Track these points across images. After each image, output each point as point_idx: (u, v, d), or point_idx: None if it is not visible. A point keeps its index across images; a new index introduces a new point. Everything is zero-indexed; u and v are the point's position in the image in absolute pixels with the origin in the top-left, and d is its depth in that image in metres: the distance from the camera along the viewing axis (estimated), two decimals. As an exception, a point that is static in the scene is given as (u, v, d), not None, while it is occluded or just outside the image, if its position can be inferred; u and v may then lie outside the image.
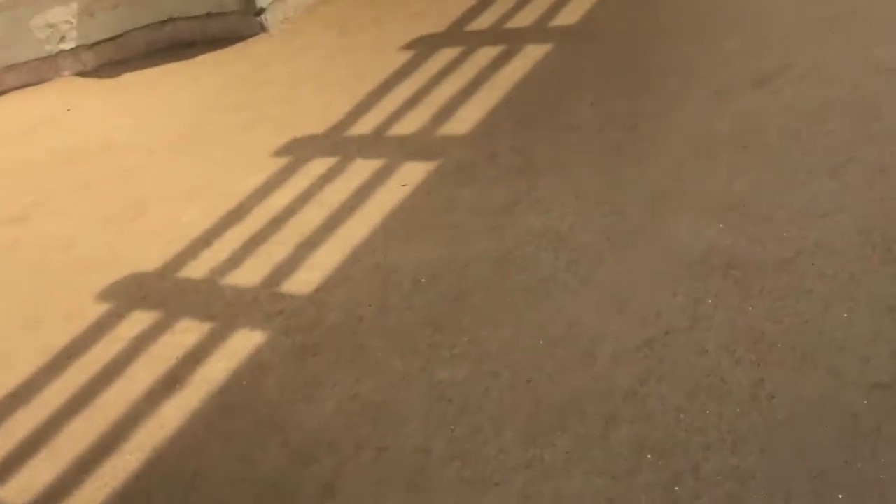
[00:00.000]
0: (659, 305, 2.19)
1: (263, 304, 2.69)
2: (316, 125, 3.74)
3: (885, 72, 2.83)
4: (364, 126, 3.62)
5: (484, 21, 4.24)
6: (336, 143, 3.55)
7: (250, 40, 4.87)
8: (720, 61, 3.21)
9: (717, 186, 2.55)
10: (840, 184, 2.40)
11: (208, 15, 4.97)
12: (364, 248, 2.82)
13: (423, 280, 2.58)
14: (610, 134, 3.00)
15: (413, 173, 3.17)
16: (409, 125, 3.51)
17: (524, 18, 4.11)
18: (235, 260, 2.98)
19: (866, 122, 2.62)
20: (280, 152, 3.61)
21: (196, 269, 2.99)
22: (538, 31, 3.94)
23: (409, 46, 4.22)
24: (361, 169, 3.30)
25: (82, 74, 5.16)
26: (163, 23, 5.11)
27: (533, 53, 3.77)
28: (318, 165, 3.42)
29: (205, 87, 4.50)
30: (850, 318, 1.98)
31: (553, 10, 4.08)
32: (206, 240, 3.15)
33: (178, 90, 4.56)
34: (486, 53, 3.89)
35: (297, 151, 3.57)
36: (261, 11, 4.82)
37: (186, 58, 4.94)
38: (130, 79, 4.92)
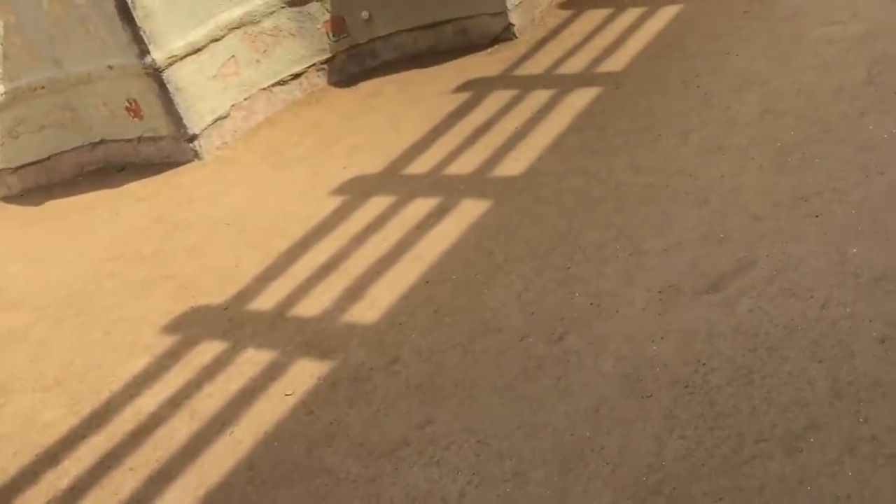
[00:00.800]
0: None
1: (84, 573, 2.18)
2: (218, 291, 3.27)
3: (864, 283, 2.30)
4: (268, 299, 3.14)
5: (425, 161, 3.77)
6: (232, 321, 3.06)
7: (182, 168, 4.45)
8: (670, 247, 2.70)
9: (645, 449, 2.02)
10: (796, 468, 1.85)
11: (140, 139, 4.57)
12: (218, 495, 2.31)
13: (272, 559, 2.06)
14: (533, 345, 2.48)
15: (302, 377, 2.66)
16: (314, 303, 3.02)
17: (466, 163, 3.63)
18: (76, 492, 2.48)
19: (836, 363, 2.08)
20: (170, 328, 3.13)
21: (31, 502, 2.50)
22: (478, 182, 3.46)
23: (340, 190, 3.76)
24: (248, 364, 2.80)
25: (6, 199, 4.78)
26: (94, 145, 4.73)
27: (468, 211, 3.28)
28: (205, 352, 2.93)
29: (119, 226, 4.06)
30: None
31: (498, 155, 3.61)
32: (55, 454, 2.66)
33: (92, 228, 4.14)
34: (418, 207, 3.41)
35: (189, 328, 3.10)
36: (193, 138, 4.41)
37: (114, 185, 4.54)
38: (51, 209, 4.52)
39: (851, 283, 2.31)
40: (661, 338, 2.34)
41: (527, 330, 2.55)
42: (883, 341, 2.10)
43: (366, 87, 4.77)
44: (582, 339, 2.44)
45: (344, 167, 3.96)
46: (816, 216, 2.62)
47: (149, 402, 2.77)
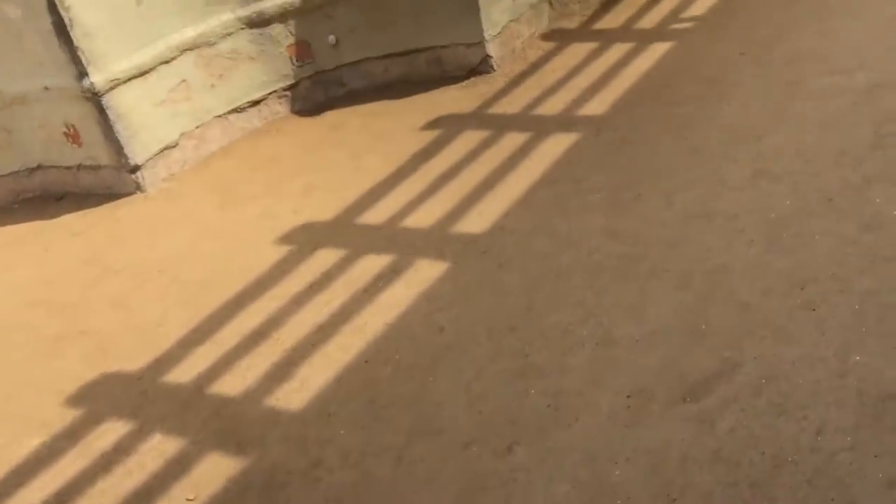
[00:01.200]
0: None
1: None
2: (136, 355, 2.89)
3: (868, 404, 1.93)
4: (188, 369, 2.75)
5: (382, 209, 3.40)
6: (144, 395, 2.68)
7: (122, 200, 4.06)
8: (644, 337, 2.33)
9: None
10: None
11: (79, 167, 4.19)
12: None
13: None
14: (478, 455, 2.10)
15: (210, 476, 2.28)
16: (237, 380, 2.64)
17: (427, 215, 3.26)
18: None
19: (832, 513, 1.71)
20: (75, 400, 2.75)
21: None
22: (436, 239, 3.09)
23: (288, 238, 3.37)
24: (152, 454, 2.42)
25: (-66, 225, 4.39)
26: (31, 171, 4.34)
27: (422, 274, 2.91)
28: (108, 434, 2.55)
29: (47, 264, 3.68)
30: None
31: (462, 207, 3.24)
32: (-84, 559, 2.28)
33: (18, 265, 3.75)
34: (368, 266, 3.04)
35: (96, 401, 2.71)
36: (136, 168, 4.02)
37: (49, 216, 4.15)
38: (-21, 239, 4.13)
39: (853, 403, 1.94)
40: (627, 459, 1.97)
41: (472, 434, 2.17)
42: (891, 486, 1.73)
43: (330, 117, 4.40)
44: (534, 453, 2.06)
45: (294, 211, 3.58)
46: (813, 309, 2.26)
47: (33, 496, 2.38)
